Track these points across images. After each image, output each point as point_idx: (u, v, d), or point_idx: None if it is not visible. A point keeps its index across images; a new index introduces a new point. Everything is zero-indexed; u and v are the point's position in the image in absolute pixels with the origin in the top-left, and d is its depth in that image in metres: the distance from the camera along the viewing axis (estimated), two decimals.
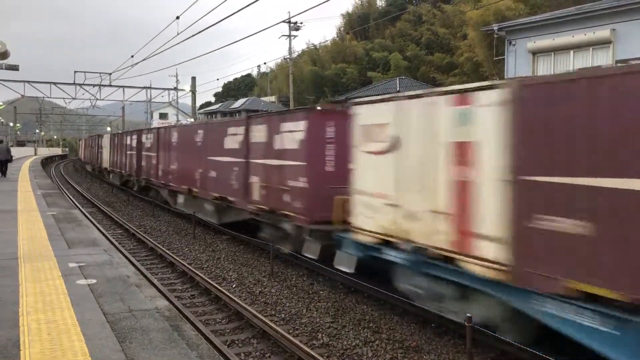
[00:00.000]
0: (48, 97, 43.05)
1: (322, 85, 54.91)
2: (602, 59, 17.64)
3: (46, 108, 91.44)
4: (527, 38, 19.89)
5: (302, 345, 6.95)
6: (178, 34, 23.15)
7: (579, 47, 18.33)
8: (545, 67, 19.29)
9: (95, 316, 5.89)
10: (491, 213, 6.57)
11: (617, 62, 14.60)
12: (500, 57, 22.43)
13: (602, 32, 17.49)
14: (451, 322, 7.79)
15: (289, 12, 76.35)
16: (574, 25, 18.45)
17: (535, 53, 19.63)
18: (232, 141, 14.91)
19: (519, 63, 20.08)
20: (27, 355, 4.76)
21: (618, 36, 17.26)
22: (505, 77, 20.97)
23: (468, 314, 6.27)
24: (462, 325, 6.78)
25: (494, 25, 21.82)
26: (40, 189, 21.74)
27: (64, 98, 43.74)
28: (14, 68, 29.73)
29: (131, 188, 28.68)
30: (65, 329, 5.46)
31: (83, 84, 39.63)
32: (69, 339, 5.18)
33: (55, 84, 39.69)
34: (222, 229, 16.08)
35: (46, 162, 59.03)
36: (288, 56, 46.26)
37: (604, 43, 17.63)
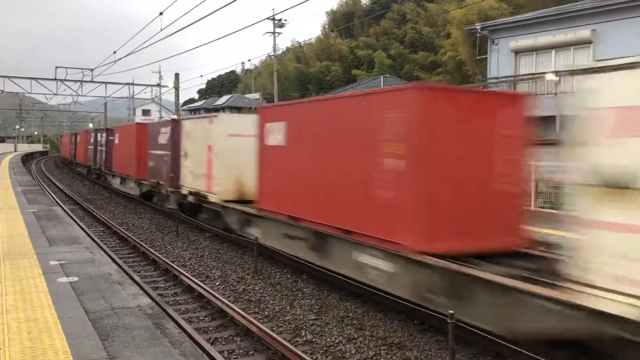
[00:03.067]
0: (28, 93, 42.50)
1: (306, 83, 54.92)
2: (583, 58, 17.88)
3: (26, 104, 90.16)
4: (509, 37, 20.09)
5: (285, 343, 6.96)
6: (161, 29, 22.96)
7: (560, 46, 18.57)
8: (528, 66, 19.49)
9: (77, 314, 5.84)
10: None
11: (596, 61, 14.80)
12: (483, 56, 22.62)
13: (583, 32, 17.73)
14: (434, 318, 7.85)
15: (273, 9, 76.00)
16: (556, 25, 18.68)
17: (517, 52, 19.83)
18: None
19: (501, 62, 20.28)
20: (7, 355, 4.71)
21: (598, 36, 17.51)
22: (488, 76, 21.14)
23: (450, 311, 6.31)
24: (445, 322, 6.84)
25: (477, 24, 22.00)
26: (20, 186, 21.46)
27: (44, 94, 43.18)
28: None
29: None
30: (46, 327, 5.40)
31: (64, 80, 39.10)
32: (50, 337, 5.13)
33: (36, 79, 39.12)
34: (205, 226, 15.98)
35: (27, 158, 58.27)
36: (272, 53, 46.16)
37: (584, 43, 17.88)
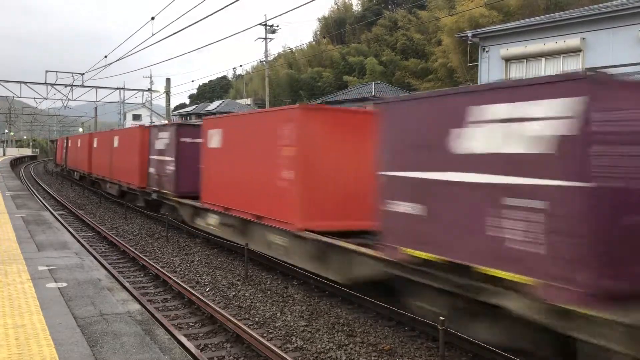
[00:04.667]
0: (18, 97, 42.22)
1: (298, 89, 54.97)
2: (573, 66, 18.04)
3: (16, 108, 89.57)
4: (500, 45, 20.24)
5: (275, 349, 6.93)
6: (153, 34, 22.94)
7: (550, 54, 18.72)
8: (518, 74, 19.63)
9: (65, 320, 5.79)
10: None
11: (586, 69, 14.94)
12: (474, 64, 22.76)
13: (572, 41, 17.89)
14: (425, 324, 7.86)
15: (265, 14, 76.28)
16: (546, 34, 18.84)
17: (508, 60, 19.97)
18: None
19: (492, 69, 20.41)
20: None
21: (587, 45, 17.68)
22: (479, 84, 21.26)
23: (441, 318, 6.32)
24: (435, 328, 6.84)
25: (468, 31, 22.13)
26: (9, 191, 21.30)
27: (34, 98, 42.91)
28: None
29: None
30: (34, 333, 5.35)
31: (55, 84, 38.90)
32: (38, 344, 5.08)
33: (25, 83, 38.89)
34: (196, 232, 15.92)
35: (15, 163, 57.84)
36: (264, 59, 46.17)
37: (574, 51, 18.04)
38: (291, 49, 66.55)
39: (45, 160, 79.85)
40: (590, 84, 5.36)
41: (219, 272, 11.97)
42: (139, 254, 13.08)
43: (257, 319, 8.71)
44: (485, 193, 6.21)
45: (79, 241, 13.87)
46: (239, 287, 10.64)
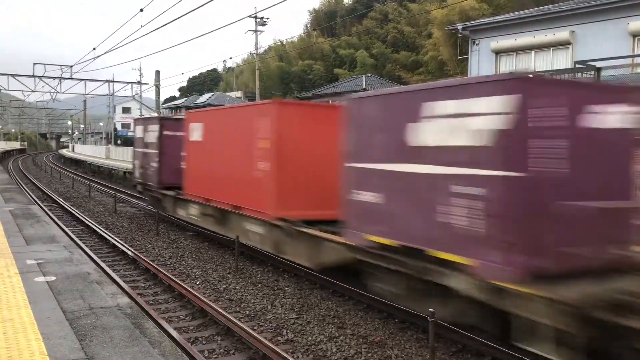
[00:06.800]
0: (5, 90, 41.73)
1: (288, 82, 54.85)
2: (562, 59, 18.11)
3: (3, 101, 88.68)
4: (490, 38, 20.26)
5: (266, 342, 6.93)
6: (142, 26, 22.72)
7: (540, 47, 18.78)
8: (508, 67, 19.68)
9: (54, 314, 5.75)
10: None
11: (575, 63, 15.02)
12: (465, 57, 22.78)
13: (562, 34, 17.95)
14: (415, 317, 7.89)
15: (255, 7, 75.82)
16: (535, 26, 18.89)
17: (498, 53, 20.01)
18: None
19: (482, 62, 20.44)
20: None
21: (577, 38, 17.75)
22: (469, 76, 21.29)
23: (431, 309, 6.35)
24: (425, 320, 6.87)
25: (458, 24, 22.14)
26: None
27: (22, 90, 42.42)
28: None
29: None
30: (22, 327, 5.31)
31: (43, 77, 38.48)
32: (26, 338, 5.04)
33: (13, 75, 38.45)
34: (187, 225, 15.86)
35: (4, 156, 57.34)
36: (254, 51, 45.95)
37: (563, 44, 18.10)
38: (282, 42, 66.33)
39: (34, 153, 79.18)
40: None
41: (210, 265, 11.95)
42: (129, 248, 13.03)
43: (247, 312, 8.71)
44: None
45: (68, 235, 13.77)
46: (229, 280, 10.62)
